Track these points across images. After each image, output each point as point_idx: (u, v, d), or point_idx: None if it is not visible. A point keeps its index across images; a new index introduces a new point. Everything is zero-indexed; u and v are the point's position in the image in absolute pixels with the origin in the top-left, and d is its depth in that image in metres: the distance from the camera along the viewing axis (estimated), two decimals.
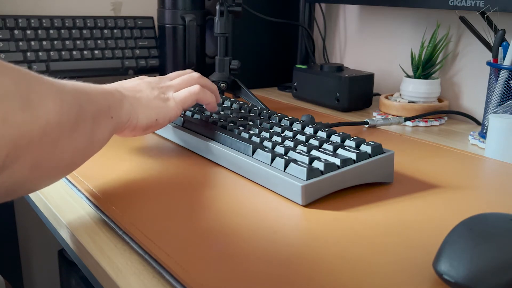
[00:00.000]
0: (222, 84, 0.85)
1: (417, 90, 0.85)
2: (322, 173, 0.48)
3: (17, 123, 0.32)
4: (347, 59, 1.14)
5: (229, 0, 0.87)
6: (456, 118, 0.88)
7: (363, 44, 1.10)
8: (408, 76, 0.88)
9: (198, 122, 0.63)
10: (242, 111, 0.68)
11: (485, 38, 0.76)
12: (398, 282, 0.35)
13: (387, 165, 0.53)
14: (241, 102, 0.71)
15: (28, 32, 1.00)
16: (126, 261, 0.39)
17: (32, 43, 0.99)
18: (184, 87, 0.59)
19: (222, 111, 0.68)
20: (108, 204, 0.47)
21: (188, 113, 0.67)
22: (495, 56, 0.72)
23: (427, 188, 0.52)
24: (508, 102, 0.70)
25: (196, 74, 0.61)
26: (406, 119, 0.80)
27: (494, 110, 0.71)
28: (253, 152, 0.53)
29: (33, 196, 0.54)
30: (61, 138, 0.37)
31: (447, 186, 0.53)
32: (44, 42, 1.01)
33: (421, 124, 0.81)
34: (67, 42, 1.03)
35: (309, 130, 0.59)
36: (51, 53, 1.01)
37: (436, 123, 0.83)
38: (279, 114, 0.64)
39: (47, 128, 0.35)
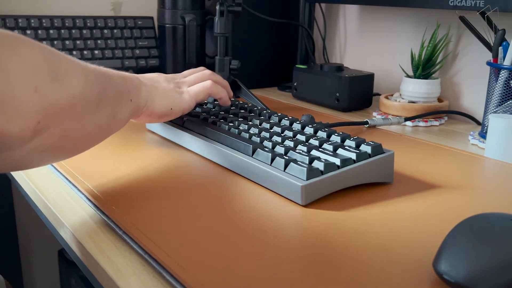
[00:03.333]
0: None
1: (417, 90, 0.85)
2: (322, 173, 0.48)
3: (48, 93, 0.35)
4: (347, 59, 1.14)
5: (229, 0, 0.87)
6: (456, 118, 0.88)
7: (363, 44, 1.10)
8: (408, 76, 0.88)
9: (198, 122, 0.63)
10: (242, 111, 0.68)
11: (485, 38, 0.76)
12: (398, 282, 0.35)
13: (387, 165, 0.53)
14: (241, 102, 0.71)
15: (28, 32, 1.00)
16: (126, 261, 0.39)
17: None
18: (197, 83, 0.63)
19: (222, 111, 0.68)
20: (108, 204, 0.47)
21: (188, 113, 0.67)
22: (495, 56, 0.72)
23: (427, 188, 0.52)
24: (508, 102, 0.70)
25: (208, 71, 0.66)
26: (406, 119, 0.80)
27: (494, 110, 0.71)
28: (253, 152, 0.53)
29: (33, 196, 0.54)
30: (86, 111, 0.40)
31: (447, 186, 0.53)
32: (44, 42, 1.00)
33: (421, 124, 0.81)
34: (67, 42, 1.03)
35: (309, 130, 0.59)
36: None
37: (436, 123, 0.83)
38: (279, 114, 0.64)
39: (74, 101, 0.38)
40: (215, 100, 0.74)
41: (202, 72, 0.66)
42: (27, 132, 0.34)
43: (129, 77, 0.51)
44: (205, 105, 0.71)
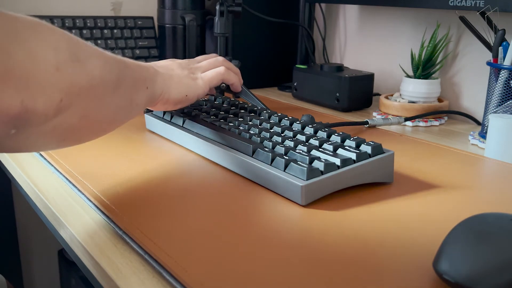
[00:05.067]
0: (222, 84, 0.85)
1: (417, 90, 0.85)
2: (322, 173, 0.48)
3: (69, 73, 0.36)
4: (347, 59, 1.14)
5: (229, 0, 0.87)
6: (456, 118, 0.88)
7: (363, 44, 1.10)
8: (408, 76, 0.88)
9: (198, 122, 0.63)
10: (242, 111, 0.68)
11: (485, 38, 0.76)
12: (398, 282, 0.35)
13: (387, 165, 0.53)
14: (241, 102, 0.71)
15: None
16: (126, 261, 0.39)
17: None
18: (210, 68, 0.66)
19: (222, 111, 0.68)
20: (108, 204, 0.47)
21: (188, 113, 0.67)
22: (495, 56, 0.72)
23: (427, 188, 0.52)
24: (508, 102, 0.70)
25: (221, 58, 0.68)
26: (406, 119, 0.80)
27: (494, 110, 0.71)
28: (253, 152, 0.53)
29: (33, 196, 0.54)
30: (105, 93, 0.41)
31: (447, 186, 0.53)
32: None
33: (421, 124, 0.81)
34: None
35: (309, 130, 0.59)
36: None
37: (436, 123, 0.83)
38: (279, 114, 0.64)
39: (93, 82, 0.39)
40: (215, 100, 0.74)
41: (215, 58, 0.68)
42: (51, 109, 0.36)
43: (145, 65, 0.52)
44: (205, 105, 0.71)
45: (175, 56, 1.00)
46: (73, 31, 1.04)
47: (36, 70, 0.34)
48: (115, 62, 0.44)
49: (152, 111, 0.72)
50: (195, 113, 0.67)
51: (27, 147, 0.39)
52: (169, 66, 0.60)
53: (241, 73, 0.88)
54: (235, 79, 0.69)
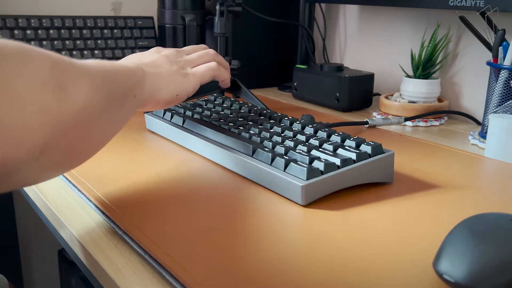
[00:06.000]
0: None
1: (417, 90, 0.85)
2: (322, 173, 0.48)
3: (54, 111, 0.33)
4: (347, 59, 1.14)
5: (229, 0, 0.87)
6: (456, 118, 0.88)
7: (363, 44, 1.10)
8: (408, 76, 0.88)
9: (198, 122, 0.63)
10: (242, 111, 0.68)
11: (485, 38, 0.76)
12: (398, 282, 0.35)
13: (387, 165, 0.53)
14: (241, 102, 0.71)
15: (28, 32, 1.00)
16: (126, 261, 0.39)
17: (32, 43, 0.99)
18: (201, 62, 0.61)
19: (222, 111, 0.68)
20: (109, 204, 0.47)
21: (188, 113, 0.67)
22: (495, 56, 0.72)
23: (427, 188, 0.52)
24: (508, 102, 0.70)
25: (212, 51, 0.63)
26: (406, 119, 0.80)
27: (494, 110, 0.71)
28: (253, 152, 0.53)
29: (33, 196, 0.54)
30: (92, 121, 0.39)
31: (447, 186, 0.53)
32: (44, 42, 1.00)
33: (421, 124, 0.81)
34: (67, 42, 1.03)
35: (309, 130, 0.59)
36: None
37: (436, 123, 0.83)
38: (279, 114, 0.64)
39: (81, 113, 0.36)
40: (215, 100, 0.74)
41: (206, 51, 0.63)
42: (33, 154, 0.33)
43: (132, 70, 0.49)
44: (205, 105, 0.71)
45: None
46: (73, 31, 1.04)
47: (19, 117, 0.30)
48: (103, 80, 0.41)
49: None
50: (195, 113, 0.67)
51: (22, 185, 0.36)
52: (156, 62, 0.56)
53: (241, 73, 0.88)
54: (226, 75, 0.64)
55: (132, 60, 0.54)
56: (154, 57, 0.57)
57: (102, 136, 0.42)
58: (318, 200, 0.48)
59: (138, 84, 0.49)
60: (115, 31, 1.08)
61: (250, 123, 0.62)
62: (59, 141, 0.35)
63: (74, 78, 0.36)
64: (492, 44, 0.73)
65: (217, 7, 0.85)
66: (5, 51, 0.31)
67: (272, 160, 0.51)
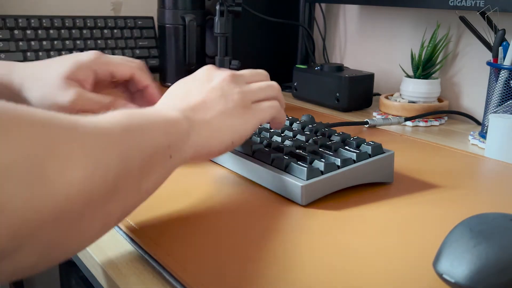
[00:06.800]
0: None
1: (417, 90, 0.85)
2: (322, 173, 0.48)
3: (19, 208, 0.25)
4: (347, 59, 1.14)
5: (229, 0, 0.87)
6: (456, 118, 0.88)
7: (363, 44, 1.10)
8: (408, 76, 0.88)
9: None
10: None
11: (485, 38, 0.76)
12: (398, 282, 0.35)
13: (387, 165, 0.53)
14: None
15: (28, 32, 1.00)
16: (126, 261, 0.39)
17: (32, 43, 0.99)
18: (262, 97, 0.48)
19: None
20: None
21: None
22: (495, 56, 0.72)
23: (427, 188, 0.52)
24: (508, 102, 0.70)
25: (276, 84, 0.50)
26: (406, 119, 0.80)
27: (494, 110, 0.71)
28: (253, 152, 0.53)
29: None
30: (87, 212, 0.29)
31: (447, 186, 0.53)
32: (44, 42, 1.01)
33: (421, 124, 0.81)
34: (67, 42, 1.03)
35: (309, 130, 0.59)
36: (51, 53, 1.01)
37: (436, 123, 0.83)
38: None
39: (66, 205, 0.27)
40: None
41: (269, 84, 0.49)
42: None
43: (174, 120, 0.38)
44: None
45: (175, 56, 0.99)
46: (73, 31, 1.04)
47: None
48: (119, 147, 0.31)
49: None
50: None
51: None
52: (207, 102, 0.43)
53: None
54: (284, 117, 0.51)
55: (176, 102, 0.43)
56: (205, 91, 0.44)
57: (106, 223, 0.32)
58: (318, 200, 0.48)
59: (179, 140, 0.38)
60: (115, 31, 1.08)
61: None
62: (30, 243, 0.26)
63: (66, 157, 0.27)
64: (492, 44, 0.73)
65: (217, 7, 0.85)
66: None
67: (272, 160, 0.51)
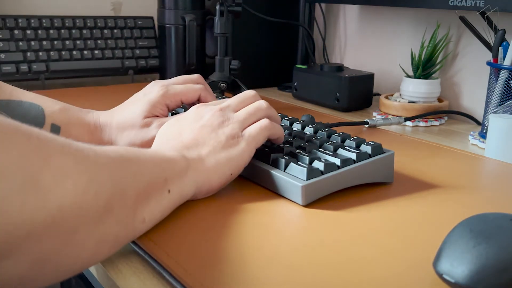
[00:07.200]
0: (222, 84, 0.85)
1: (417, 90, 0.85)
2: (322, 173, 0.48)
3: (12, 212, 0.25)
4: (347, 59, 1.14)
5: (229, 0, 0.87)
6: (456, 118, 0.88)
7: (363, 44, 1.10)
8: (408, 76, 0.88)
9: None
10: None
11: (485, 38, 0.76)
12: (398, 282, 0.35)
13: (387, 165, 0.53)
14: None
15: (28, 32, 1.00)
16: (126, 261, 0.39)
17: (32, 43, 0.99)
18: (253, 121, 0.50)
19: None
20: None
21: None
22: (495, 56, 0.72)
23: (427, 188, 0.52)
24: (508, 102, 0.70)
25: (263, 103, 0.51)
26: (406, 119, 0.80)
27: (494, 110, 0.71)
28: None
29: None
30: (80, 228, 0.29)
31: (447, 186, 0.53)
32: (44, 42, 1.01)
33: (421, 124, 0.81)
34: (67, 42, 1.03)
35: (309, 130, 0.59)
36: (51, 53, 1.01)
37: (436, 123, 0.83)
38: (279, 114, 0.64)
39: (58, 216, 0.27)
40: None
41: (257, 105, 0.50)
42: None
43: (172, 158, 0.40)
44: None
45: (175, 56, 0.99)
46: (73, 31, 1.04)
47: None
48: (113, 171, 0.32)
49: None
50: None
51: None
52: (199, 137, 0.46)
53: (241, 73, 0.88)
54: (280, 132, 0.52)
55: (170, 143, 0.46)
56: (196, 129, 0.47)
57: (98, 247, 0.32)
58: (318, 200, 0.48)
59: (176, 176, 0.40)
60: (115, 31, 1.08)
61: None
62: (21, 250, 0.26)
63: (61, 169, 0.28)
64: (492, 44, 0.73)
65: (217, 7, 0.85)
66: None
67: (272, 160, 0.51)
